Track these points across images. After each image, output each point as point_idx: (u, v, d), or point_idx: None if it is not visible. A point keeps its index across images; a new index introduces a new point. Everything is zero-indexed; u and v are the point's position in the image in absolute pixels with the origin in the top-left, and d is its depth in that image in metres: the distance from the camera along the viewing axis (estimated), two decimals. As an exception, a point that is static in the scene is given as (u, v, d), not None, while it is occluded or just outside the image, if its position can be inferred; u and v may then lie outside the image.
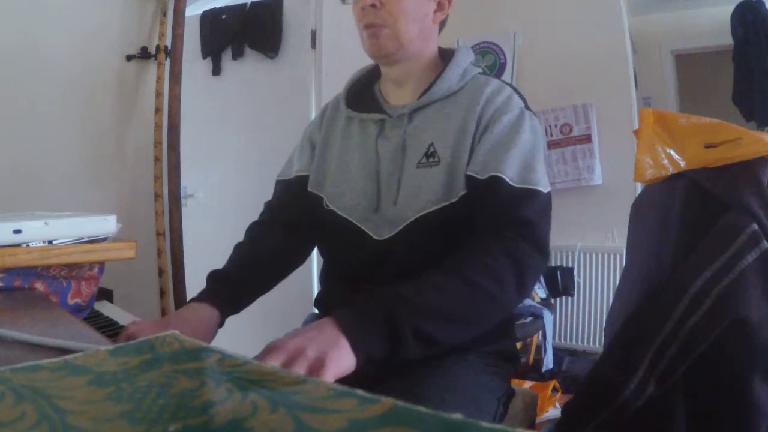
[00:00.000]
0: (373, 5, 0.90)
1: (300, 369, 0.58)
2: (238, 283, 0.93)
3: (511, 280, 0.77)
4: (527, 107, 0.93)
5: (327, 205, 0.99)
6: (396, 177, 0.93)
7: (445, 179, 0.89)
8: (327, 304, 1.01)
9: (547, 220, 0.86)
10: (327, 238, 1.03)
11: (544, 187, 0.86)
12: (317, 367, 0.60)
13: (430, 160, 0.91)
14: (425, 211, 0.89)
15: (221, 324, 0.88)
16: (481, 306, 0.76)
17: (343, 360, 0.62)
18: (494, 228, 0.82)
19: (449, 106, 0.94)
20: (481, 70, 1.01)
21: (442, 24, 1.00)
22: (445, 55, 1.00)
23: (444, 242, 0.87)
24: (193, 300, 0.88)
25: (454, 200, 0.88)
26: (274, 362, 0.59)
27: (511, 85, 0.97)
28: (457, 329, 0.76)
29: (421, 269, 0.77)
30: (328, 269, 1.04)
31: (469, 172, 0.87)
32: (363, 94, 1.04)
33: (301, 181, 1.05)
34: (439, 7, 0.96)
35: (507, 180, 0.83)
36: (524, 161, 0.86)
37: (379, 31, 0.91)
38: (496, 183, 0.84)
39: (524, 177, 0.85)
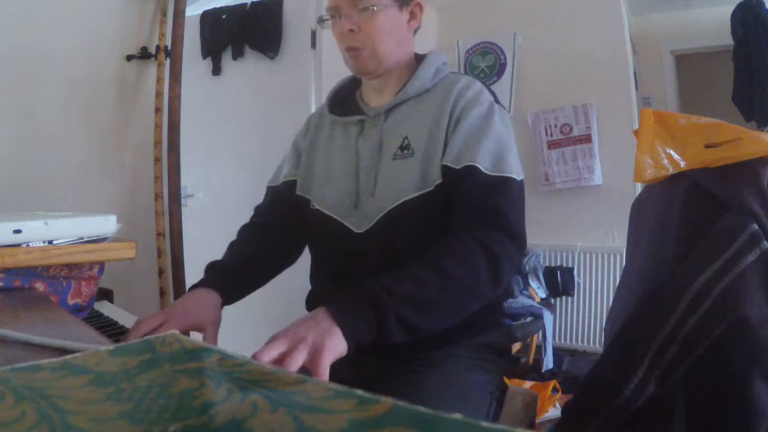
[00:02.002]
0: (351, 30, 0.95)
1: (301, 354, 0.65)
2: (236, 274, 0.98)
3: (485, 269, 0.81)
4: (497, 101, 0.99)
5: (313, 206, 1.03)
6: (373, 171, 0.97)
7: (420, 170, 0.93)
8: (316, 303, 1.03)
9: (521, 208, 0.91)
10: (314, 238, 1.07)
11: (517, 175, 0.90)
12: (316, 352, 0.66)
13: (405, 152, 0.95)
14: (401, 200, 0.93)
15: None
16: (457, 295, 0.80)
17: (338, 346, 0.69)
18: (469, 219, 0.86)
19: (423, 102, 0.98)
20: (453, 70, 1.06)
21: (416, 30, 1.05)
22: (420, 58, 1.05)
23: (420, 230, 0.92)
24: (193, 287, 0.93)
25: (430, 189, 0.92)
26: (279, 349, 0.66)
27: (482, 81, 1.02)
28: (436, 317, 0.80)
29: (400, 258, 0.82)
30: (316, 269, 1.08)
31: (444, 162, 0.91)
32: (345, 100, 1.09)
33: (289, 185, 1.09)
34: (412, 16, 1.01)
35: (481, 169, 0.88)
36: (497, 151, 0.90)
37: (360, 53, 0.96)
38: (471, 172, 0.88)
39: (497, 165, 0.89)
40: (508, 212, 0.86)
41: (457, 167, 0.89)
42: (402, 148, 0.95)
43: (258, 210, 1.15)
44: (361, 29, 0.94)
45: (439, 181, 0.91)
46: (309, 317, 0.72)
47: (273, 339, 0.68)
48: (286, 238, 1.09)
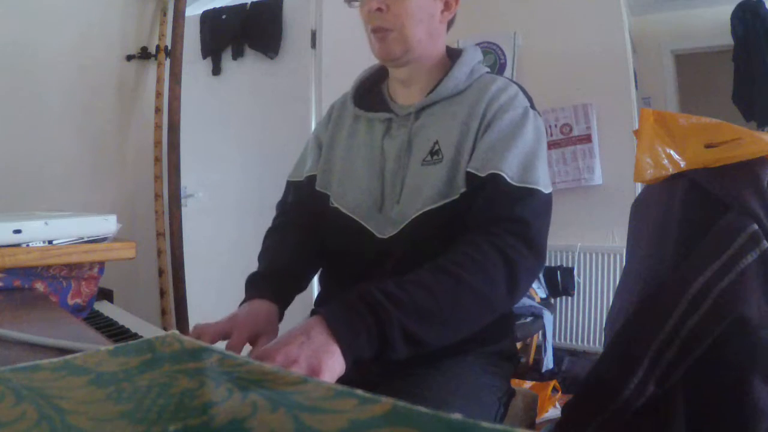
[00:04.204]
0: (379, 9, 0.89)
1: None
2: (281, 281, 0.92)
3: (502, 278, 0.76)
4: (532, 106, 0.93)
5: (332, 203, 0.99)
6: (400, 176, 0.92)
7: (446, 176, 0.88)
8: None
9: (545, 221, 0.84)
10: (331, 237, 1.02)
11: (545, 188, 0.85)
12: (314, 375, 0.60)
13: (435, 158, 0.90)
14: (426, 209, 0.88)
15: (280, 319, 0.87)
16: (470, 304, 0.74)
17: (336, 367, 0.63)
18: (487, 225, 0.80)
19: (455, 104, 0.93)
20: (488, 70, 1.00)
21: (450, 23, 0.99)
22: (453, 55, 0.99)
23: (445, 240, 0.85)
24: (249, 299, 0.86)
25: (455, 197, 0.87)
26: None
27: (518, 84, 0.96)
28: (446, 329, 0.74)
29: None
30: (329, 269, 1.03)
31: (469, 169, 0.86)
32: (370, 92, 1.04)
33: (312, 181, 1.04)
34: (446, 6, 0.95)
35: (506, 178, 0.82)
36: (525, 160, 0.85)
37: (387, 35, 0.90)
38: (495, 180, 0.83)
39: (524, 176, 0.83)
40: (528, 221, 0.80)
41: (482, 175, 0.84)
42: (432, 153, 0.90)
43: (281, 207, 1.09)
44: (390, 9, 0.89)
45: (463, 189, 0.86)
46: (301, 330, 0.65)
47: (260, 356, 0.61)
48: (315, 237, 1.01)
